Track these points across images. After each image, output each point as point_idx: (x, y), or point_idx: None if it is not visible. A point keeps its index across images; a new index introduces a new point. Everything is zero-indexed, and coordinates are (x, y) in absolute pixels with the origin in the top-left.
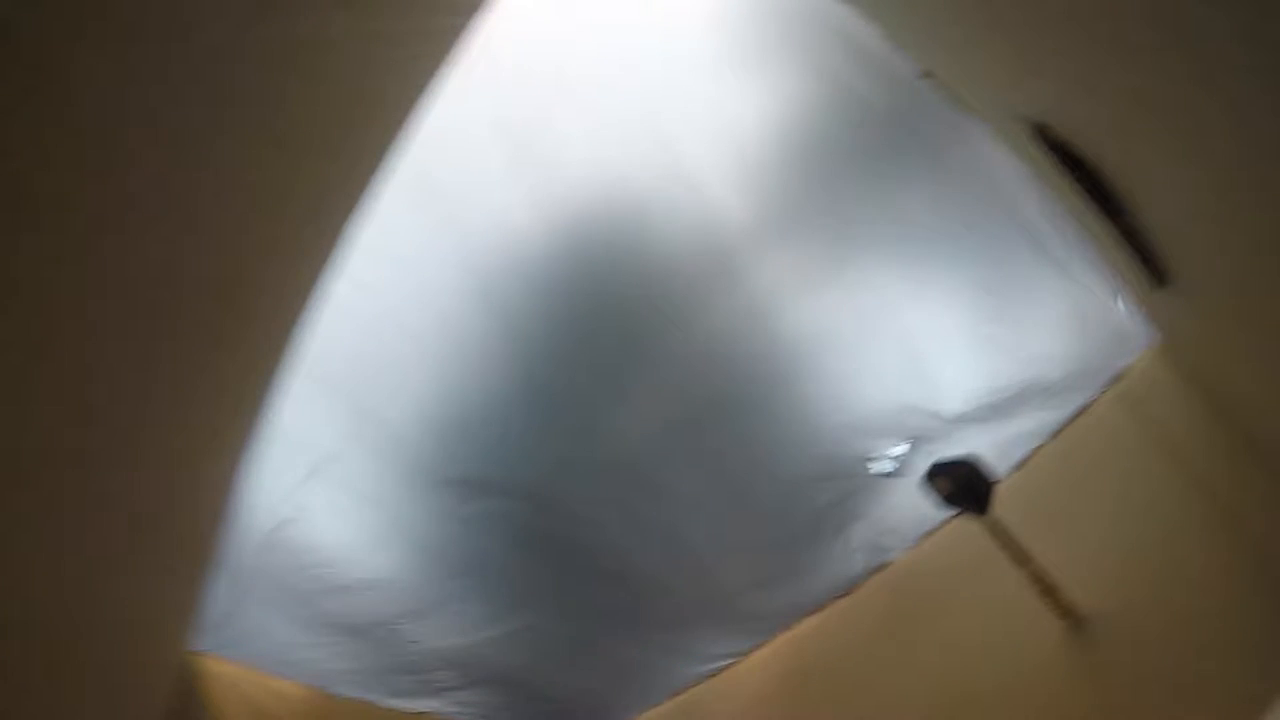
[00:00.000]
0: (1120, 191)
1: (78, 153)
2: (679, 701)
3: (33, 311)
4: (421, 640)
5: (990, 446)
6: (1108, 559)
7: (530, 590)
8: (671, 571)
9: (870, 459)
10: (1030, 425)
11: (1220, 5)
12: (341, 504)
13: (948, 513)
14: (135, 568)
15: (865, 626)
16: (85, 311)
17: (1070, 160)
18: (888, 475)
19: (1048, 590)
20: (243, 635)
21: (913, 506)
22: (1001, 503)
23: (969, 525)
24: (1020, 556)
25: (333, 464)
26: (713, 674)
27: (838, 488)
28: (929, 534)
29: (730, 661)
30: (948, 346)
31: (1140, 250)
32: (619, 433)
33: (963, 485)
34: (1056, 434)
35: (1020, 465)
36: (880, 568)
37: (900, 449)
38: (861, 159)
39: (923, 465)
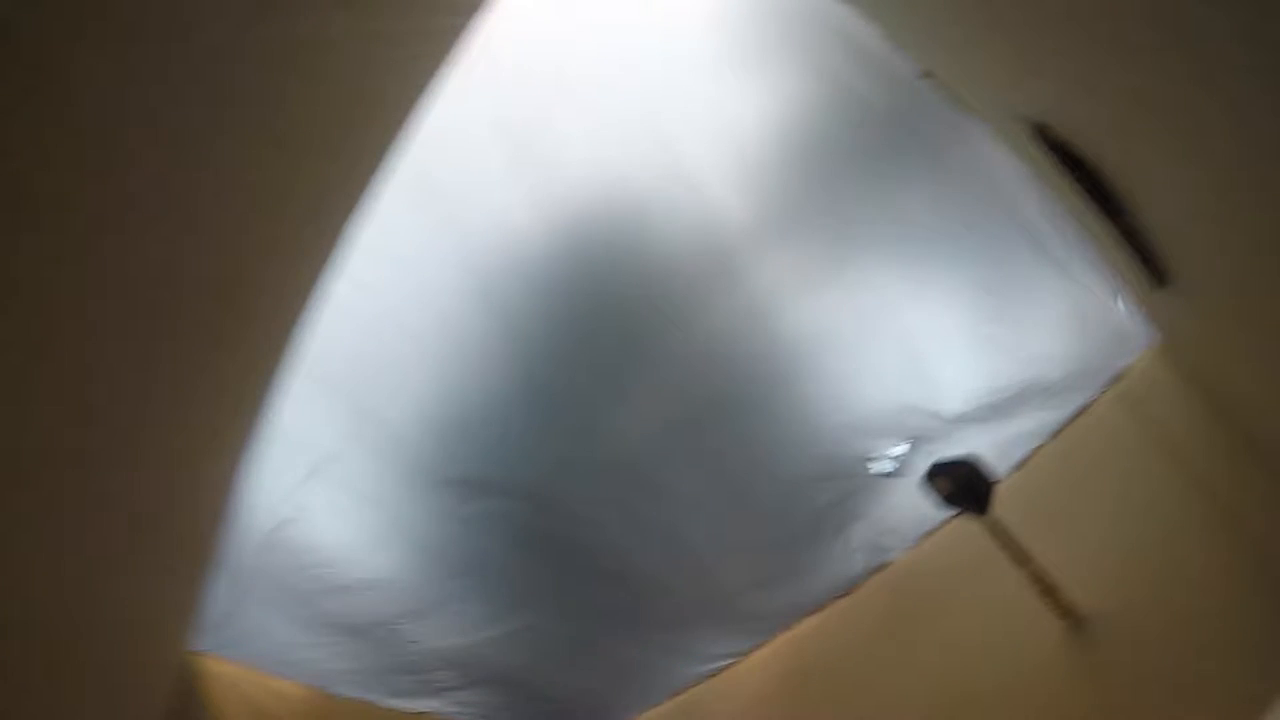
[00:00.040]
0: (1120, 191)
1: (78, 153)
2: (679, 701)
3: (33, 311)
4: (421, 640)
5: (990, 446)
6: (1108, 559)
7: (530, 590)
8: (671, 571)
9: (870, 459)
10: (1030, 425)
11: (1220, 5)
12: (341, 504)
13: (948, 513)
14: (135, 568)
15: (865, 626)
16: (85, 311)
17: (1070, 160)
18: (888, 475)
19: (1048, 590)
20: (243, 635)
21: (913, 506)
22: (1001, 503)
23: (969, 525)
24: (1020, 556)
25: (333, 464)
26: (713, 674)
27: (838, 488)
28: (929, 534)
29: (730, 661)
30: (948, 346)
31: (1140, 250)
32: (619, 433)
33: (963, 485)
34: (1056, 434)
35: (1020, 465)
36: (880, 568)
37: (900, 449)
38: (861, 159)
39: (923, 465)
